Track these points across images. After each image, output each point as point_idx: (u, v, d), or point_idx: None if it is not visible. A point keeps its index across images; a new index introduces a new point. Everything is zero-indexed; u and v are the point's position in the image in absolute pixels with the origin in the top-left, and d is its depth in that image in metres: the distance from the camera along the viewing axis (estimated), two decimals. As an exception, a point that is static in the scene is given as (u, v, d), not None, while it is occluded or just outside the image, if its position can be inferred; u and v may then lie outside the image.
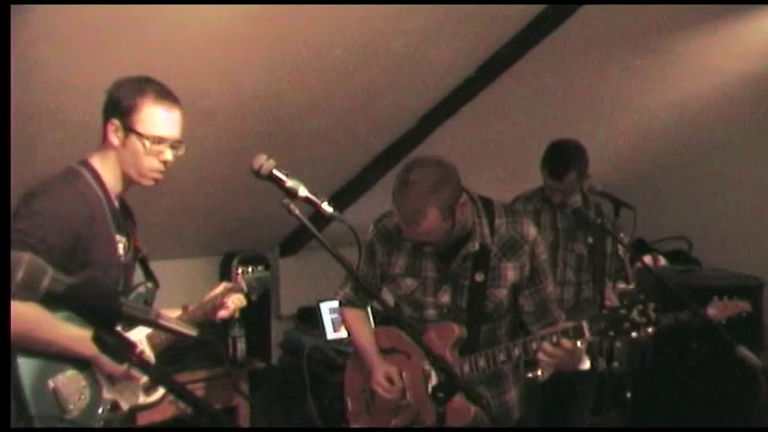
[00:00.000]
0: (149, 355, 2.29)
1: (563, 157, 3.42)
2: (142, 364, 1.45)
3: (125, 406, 2.23)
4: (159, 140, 2.20)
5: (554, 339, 2.30)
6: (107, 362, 2.10)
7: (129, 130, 2.19)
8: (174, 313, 2.42)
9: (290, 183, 1.97)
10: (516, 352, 2.40)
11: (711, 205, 5.27)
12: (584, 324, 2.27)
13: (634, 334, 2.22)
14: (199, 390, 3.77)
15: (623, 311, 2.23)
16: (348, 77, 3.40)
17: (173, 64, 2.68)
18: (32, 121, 2.80)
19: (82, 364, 2.15)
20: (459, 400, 2.43)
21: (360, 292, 2.76)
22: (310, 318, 4.61)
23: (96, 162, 2.25)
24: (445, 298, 2.55)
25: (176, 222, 3.85)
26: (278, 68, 3.15)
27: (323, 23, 2.96)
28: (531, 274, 2.53)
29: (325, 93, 3.46)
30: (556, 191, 3.46)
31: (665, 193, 5.48)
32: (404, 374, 2.58)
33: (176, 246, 4.01)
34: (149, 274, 2.47)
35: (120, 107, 2.19)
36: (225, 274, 4.15)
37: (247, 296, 2.60)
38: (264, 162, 1.99)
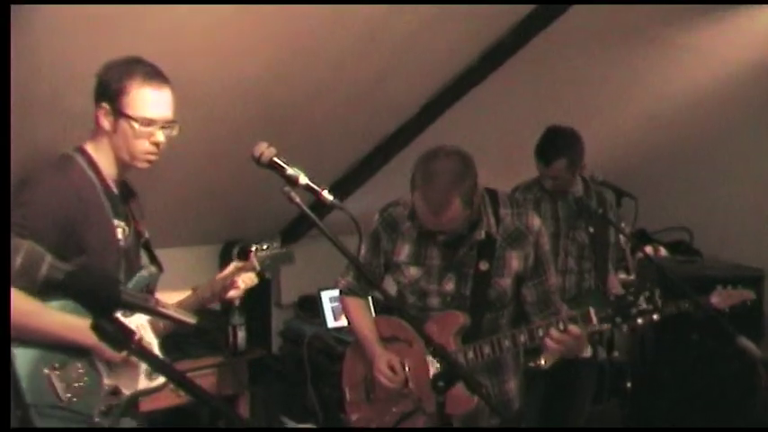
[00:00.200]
0: (151, 340, 2.27)
1: (554, 143, 3.41)
2: (141, 352, 1.44)
3: (126, 391, 2.22)
4: (149, 122, 2.18)
5: (561, 326, 2.31)
6: (105, 349, 2.09)
7: (118, 113, 2.16)
8: (185, 295, 2.38)
9: (290, 170, 1.97)
10: (522, 338, 2.41)
11: (713, 196, 5.26)
12: (591, 310, 2.29)
13: (640, 320, 2.23)
14: (197, 378, 3.76)
15: (631, 298, 2.25)
16: (350, 66, 3.39)
17: (173, 51, 2.66)
18: (33, 109, 2.79)
19: (79, 352, 2.14)
20: (460, 388, 2.43)
21: (361, 281, 2.75)
22: (311, 306, 4.61)
23: (90, 147, 2.24)
24: (450, 286, 2.55)
25: (176, 210, 3.84)
26: (279, 56, 3.14)
27: (325, 10, 2.94)
28: (535, 265, 2.54)
29: (328, 81, 3.45)
30: (546, 177, 3.44)
31: (667, 184, 5.47)
32: (405, 363, 2.58)
33: (176, 234, 4.00)
34: (153, 259, 2.45)
35: (108, 90, 2.16)
36: (225, 262, 4.13)
37: (260, 274, 2.45)
38: (265, 150, 1.98)
